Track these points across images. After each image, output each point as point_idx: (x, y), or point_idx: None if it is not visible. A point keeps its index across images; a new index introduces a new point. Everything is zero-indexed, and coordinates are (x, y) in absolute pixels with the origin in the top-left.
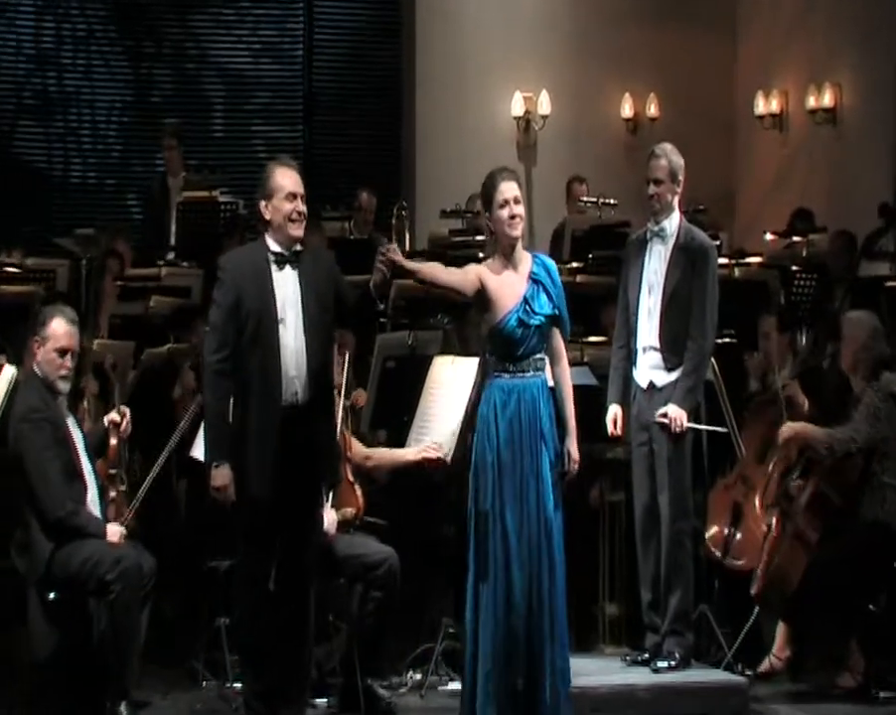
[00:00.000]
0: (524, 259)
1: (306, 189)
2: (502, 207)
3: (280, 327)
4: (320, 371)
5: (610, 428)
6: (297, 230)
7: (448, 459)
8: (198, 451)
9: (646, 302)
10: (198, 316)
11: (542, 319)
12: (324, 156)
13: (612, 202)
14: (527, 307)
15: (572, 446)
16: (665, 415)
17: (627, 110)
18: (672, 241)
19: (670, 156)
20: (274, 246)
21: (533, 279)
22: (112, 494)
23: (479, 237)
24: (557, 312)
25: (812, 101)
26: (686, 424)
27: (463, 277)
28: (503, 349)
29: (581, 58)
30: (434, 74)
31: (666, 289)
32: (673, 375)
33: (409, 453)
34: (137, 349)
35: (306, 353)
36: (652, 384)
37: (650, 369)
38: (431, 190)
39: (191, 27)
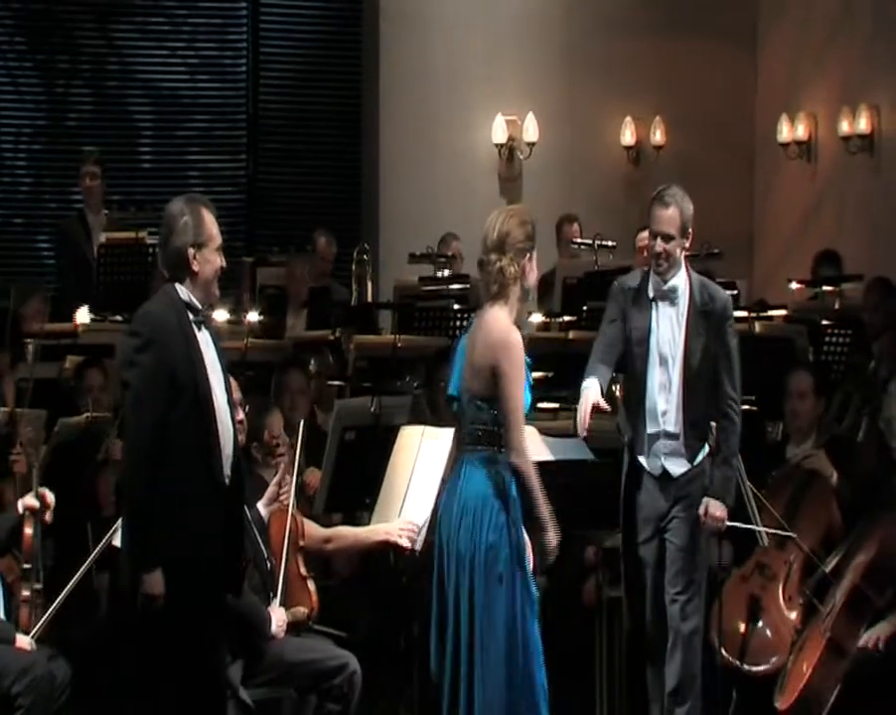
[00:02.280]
0: None
1: (250, 226)
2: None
3: (213, 395)
4: (238, 447)
5: (589, 407)
6: (218, 290)
7: (418, 548)
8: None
9: (657, 376)
10: (92, 367)
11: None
12: (271, 190)
13: (610, 244)
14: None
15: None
16: (710, 517)
17: (628, 137)
18: (684, 303)
19: (681, 204)
20: (194, 303)
21: None
22: (25, 592)
23: (453, 286)
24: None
25: (845, 126)
26: (728, 523)
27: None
28: None
29: (574, 75)
30: (401, 95)
31: (687, 365)
32: (693, 462)
33: (379, 531)
34: (50, 418)
35: (232, 426)
36: (666, 474)
37: (665, 457)
38: (397, 230)
39: (114, 39)
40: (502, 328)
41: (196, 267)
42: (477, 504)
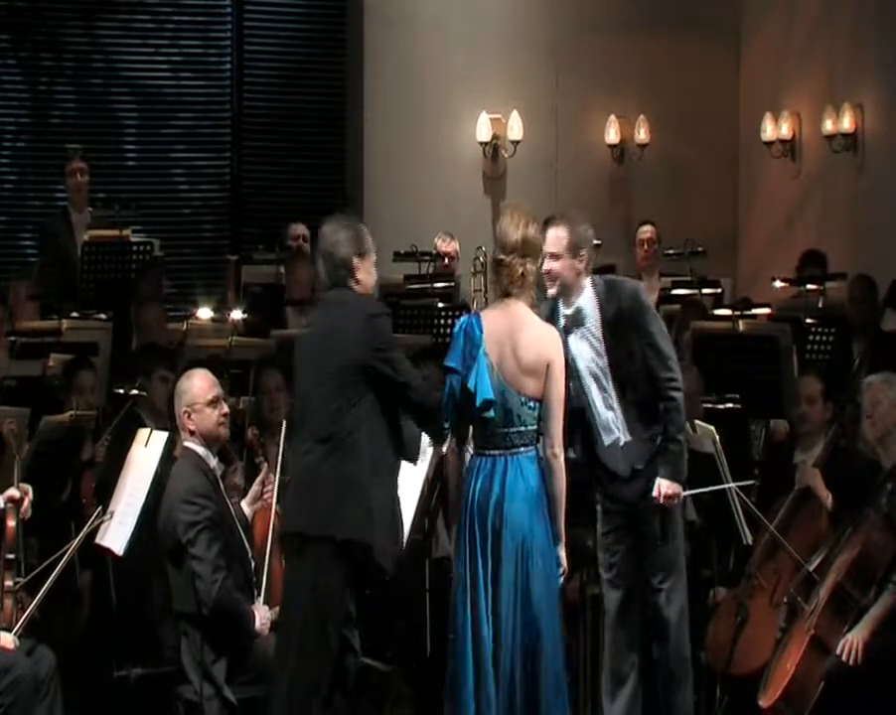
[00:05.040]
0: None
1: (234, 224)
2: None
3: None
4: None
5: None
6: None
7: (402, 546)
8: (109, 538)
9: (597, 397)
10: (83, 366)
11: None
12: (255, 188)
13: (595, 242)
14: None
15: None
16: (664, 496)
17: (612, 135)
18: (595, 319)
19: (571, 224)
20: None
21: None
22: (8, 583)
23: (438, 284)
24: None
25: (829, 125)
26: (684, 493)
27: None
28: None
29: (559, 73)
30: (385, 93)
31: (618, 377)
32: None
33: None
34: (33, 416)
35: None
36: (634, 471)
37: (631, 457)
38: (382, 228)
39: (98, 36)
40: (548, 327)
41: (360, 276)
42: (539, 498)
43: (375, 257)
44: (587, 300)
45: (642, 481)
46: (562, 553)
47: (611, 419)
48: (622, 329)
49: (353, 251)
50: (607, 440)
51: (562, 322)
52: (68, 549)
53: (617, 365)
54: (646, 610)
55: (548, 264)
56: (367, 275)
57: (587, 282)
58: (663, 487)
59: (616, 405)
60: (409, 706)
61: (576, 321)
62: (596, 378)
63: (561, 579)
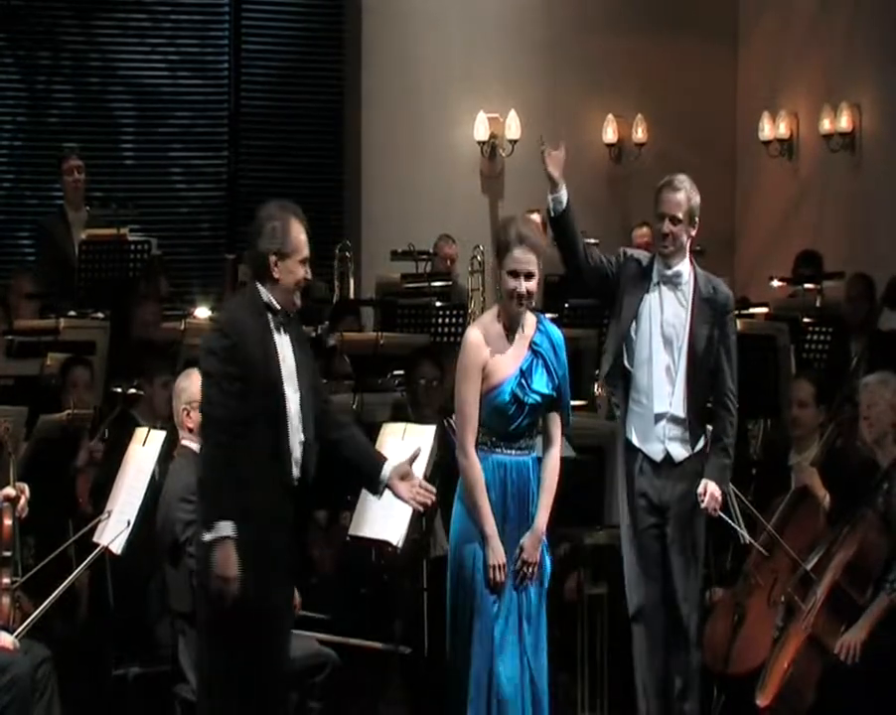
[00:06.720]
0: (529, 321)
1: (231, 223)
2: (511, 274)
3: (286, 400)
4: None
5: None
6: (300, 300)
7: (399, 545)
8: (105, 537)
9: (661, 358)
10: (78, 364)
11: (539, 399)
12: (253, 187)
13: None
14: (523, 381)
15: (528, 541)
16: (710, 496)
17: (610, 134)
18: (689, 290)
19: (690, 192)
20: (274, 304)
21: (534, 349)
22: (5, 580)
23: (435, 283)
24: (556, 395)
25: (826, 124)
26: (720, 513)
27: (476, 382)
28: (492, 421)
29: (556, 73)
30: (383, 92)
31: (693, 350)
32: (695, 448)
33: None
34: (31, 415)
35: (303, 428)
36: (669, 459)
37: (669, 442)
38: (379, 227)
39: (95, 35)
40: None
41: (276, 275)
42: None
43: (307, 254)
44: (686, 269)
45: (673, 480)
46: (488, 551)
47: (667, 389)
48: (711, 313)
49: (272, 248)
50: (658, 407)
51: (655, 278)
52: (71, 555)
53: (695, 339)
54: (668, 614)
55: (669, 227)
56: (286, 275)
57: (688, 252)
58: (710, 487)
59: (679, 382)
60: (405, 704)
61: (671, 282)
62: (668, 343)
63: (499, 576)
